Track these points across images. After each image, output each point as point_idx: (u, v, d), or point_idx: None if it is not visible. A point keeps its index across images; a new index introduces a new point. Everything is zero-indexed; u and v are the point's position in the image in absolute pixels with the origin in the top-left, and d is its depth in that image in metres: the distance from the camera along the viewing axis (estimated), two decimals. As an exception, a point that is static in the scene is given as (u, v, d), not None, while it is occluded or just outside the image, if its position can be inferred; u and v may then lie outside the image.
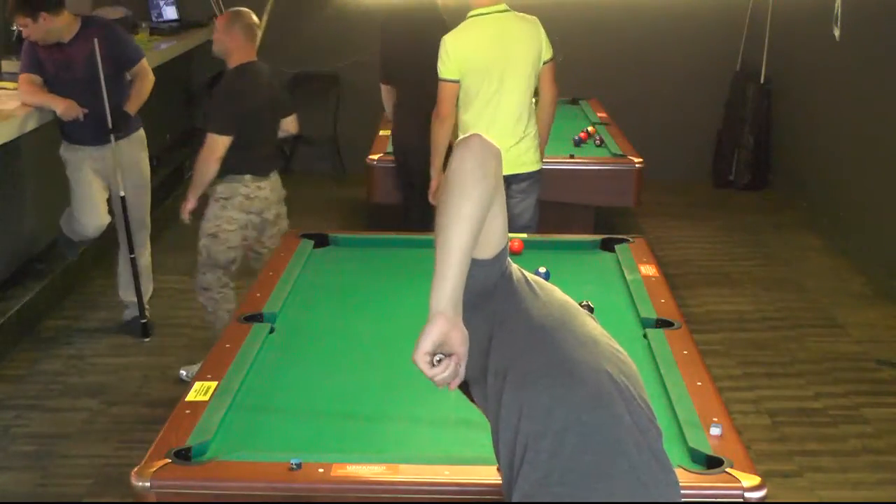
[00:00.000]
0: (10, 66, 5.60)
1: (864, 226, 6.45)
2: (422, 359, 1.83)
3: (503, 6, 4.78)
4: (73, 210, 5.09)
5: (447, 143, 4.83)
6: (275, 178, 4.77)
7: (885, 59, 6.14)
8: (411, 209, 5.63)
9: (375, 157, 5.79)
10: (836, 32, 6.23)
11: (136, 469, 2.44)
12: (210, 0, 8.16)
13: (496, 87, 4.72)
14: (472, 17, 4.78)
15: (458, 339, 1.85)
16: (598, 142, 6.17)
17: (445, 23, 5.33)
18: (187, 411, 2.71)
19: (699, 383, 2.91)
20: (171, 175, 7.58)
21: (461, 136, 1.73)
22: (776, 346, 5.36)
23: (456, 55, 4.69)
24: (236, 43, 4.53)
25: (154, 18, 7.91)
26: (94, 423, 4.51)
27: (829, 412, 4.65)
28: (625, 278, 3.79)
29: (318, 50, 8.40)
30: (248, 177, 4.60)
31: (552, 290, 2.07)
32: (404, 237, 4.35)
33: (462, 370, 1.87)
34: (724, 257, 6.67)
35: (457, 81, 4.71)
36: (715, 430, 2.63)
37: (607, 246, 4.16)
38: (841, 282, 6.24)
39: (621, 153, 5.91)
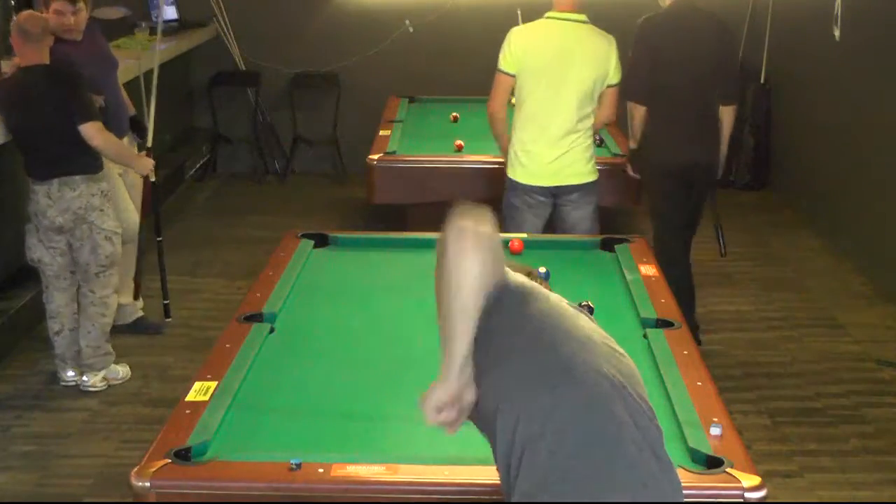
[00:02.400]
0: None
1: (864, 226, 6.45)
2: (428, 409, 2.05)
3: (583, 17, 4.67)
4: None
5: (504, 133, 4.79)
6: (58, 185, 4.59)
7: (885, 59, 6.13)
8: (665, 240, 5.11)
9: (375, 157, 5.78)
10: (836, 32, 6.23)
11: (136, 469, 2.44)
12: (210, 0, 8.19)
13: (551, 96, 4.62)
14: (546, 17, 4.69)
15: (464, 396, 2.03)
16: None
17: (724, 24, 5.05)
18: (187, 411, 2.71)
19: (699, 383, 2.91)
20: (171, 175, 7.58)
21: (452, 224, 1.77)
22: (776, 346, 5.36)
23: (516, 49, 4.60)
24: (16, 46, 4.65)
25: (154, 18, 7.90)
26: (94, 423, 4.52)
27: (829, 412, 4.65)
28: (625, 278, 3.79)
29: (318, 50, 8.40)
30: (29, 179, 4.68)
31: (547, 294, 2.08)
32: (404, 237, 4.35)
33: (463, 418, 2.06)
34: (724, 257, 6.65)
35: (512, 76, 4.65)
36: (715, 430, 2.63)
37: (607, 246, 4.16)
38: (841, 282, 6.24)
39: (621, 153, 5.90)
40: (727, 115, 5.09)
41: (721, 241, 5.19)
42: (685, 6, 4.93)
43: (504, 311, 1.99)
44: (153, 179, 5.24)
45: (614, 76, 4.69)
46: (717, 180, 5.18)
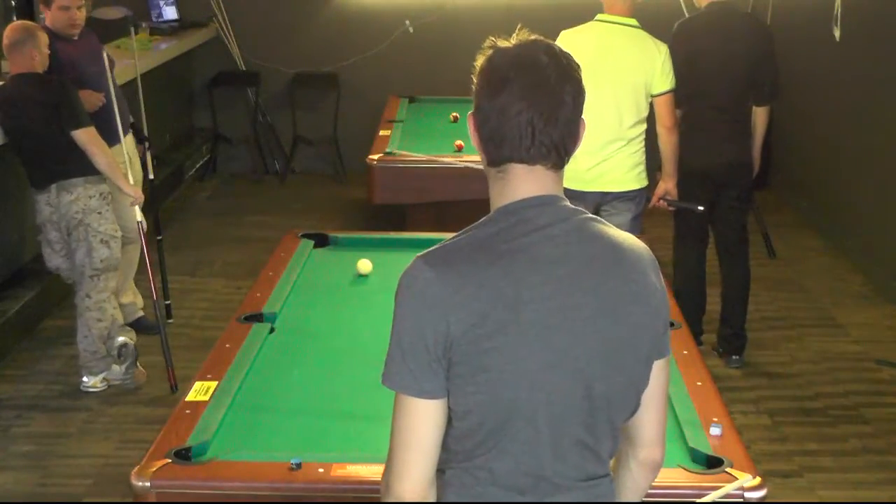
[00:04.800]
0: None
1: (864, 226, 6.45)
2: None
3: (633, 21, 4.52)
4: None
5: None
6: (56, 190, 4.59)
7: (885, 60, 6.13)
8: (680, 242, 5.15)
9: (375, 157, 5.77)
10: (837, 33, 6.23)
11: (136, 469, 2.44)
12: (210, 0, 8.19)
13: (590, 102, 4.41)
14: (596, 20, 4.57)
15: None
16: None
17: (760, 23, 5.02)
18: (187, 411, 2.71)
19: (699, 383, 2.91)
20: (171, 175, 7.59)
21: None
22: (776, 346, 5.36)
23: None
24: (7, 56, 4.69)
25: (154, 18, 7.92)
26: (94, 423, 4.52)
27: (829, 412, 4.65)
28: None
29: (318, 50, 8.41)
30: (31, 190, 4.71)
31: None
32: (404, 237, 4.34)
33: None
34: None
35: None
36: (715, 430, 2.63)
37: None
38: (841, 282, 6.24)
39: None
40: (761, 115, 5.06)
41: (769, 243, 5.15)
42: (721, 8, 4.90)
43: None
44: (139, 219, 4.86)
45: (660, 84, 4.50)
46: (753, 181, 5.11)
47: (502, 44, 1.82)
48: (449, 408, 1.77)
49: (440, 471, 1.82)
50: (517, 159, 1.79)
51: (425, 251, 1.80)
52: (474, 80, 1.83)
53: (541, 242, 1.76)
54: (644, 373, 1.84)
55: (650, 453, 1.94)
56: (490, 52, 1.82)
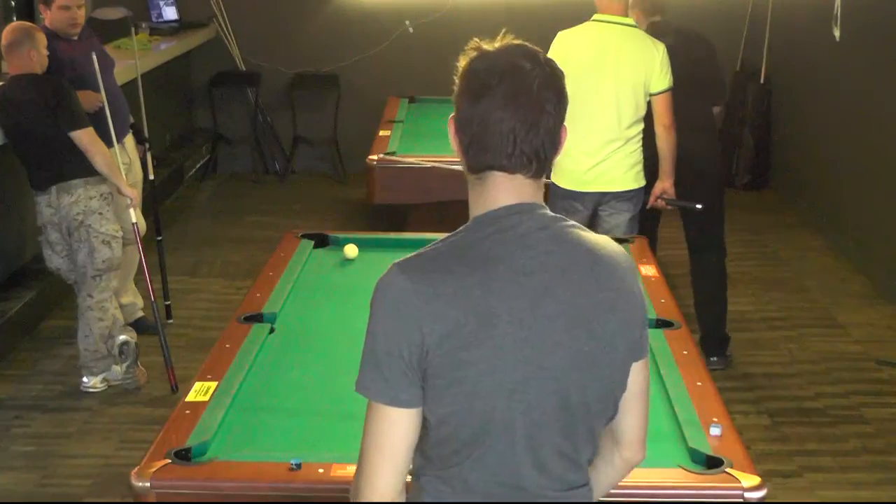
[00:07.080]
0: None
1: (864, 226, 6.45)
2: None
3: (629, 20, 4.50)
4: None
5: None
6: (56, 192, 4.59)
7: (885, 60, 6.14)
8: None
9: (375, 157, 5.77)
10: (836, 33, 6.22)
11: (136, 469, 2.44)
12: (210, 0, 8.20)
13: (588, 102, 4.39)
14: (593, 20, 4.53)
15: None
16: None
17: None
18: (187, 411, 2.71)
19: (699, 383, 2.91)
20: (171, 175, 7.59)
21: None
22: (776, 346, 5.36)
23: (557, 51, 4.38)
24: (5, 57, 4.71)
25: (154, 18, 7.92)
26: (94, 423, 4.52)
27: (829, 412, 4.65)
28: (625, 278, 3.78)
29: (318, 50, 8.41)
30: (32, 191, 4.70)
31: None
32: (404, 237, 4.34)
33: None
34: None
35: None
36: (715, 430, 2.63)
37: (607, 246, 4.14)
38: (841, 282, 6.24)
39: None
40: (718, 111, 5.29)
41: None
42: (665, 25, 4.91)
43: None
44: (134, 220, 4.90)
45: (659, 83, 4.48)
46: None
47: (486, 46, 1.79)
48: (424, 416, 1.75)
49: (416, 476, 1.81)
50: (498, 167, 1.77)
51: (402, 258, 1.78)
52: (456, 81, 1.80)
53: (518, 252, 1.75)
54: (621, 378, 1.83)
55: (630, 454, 1.94)
56: (473, 54, 1.79)
